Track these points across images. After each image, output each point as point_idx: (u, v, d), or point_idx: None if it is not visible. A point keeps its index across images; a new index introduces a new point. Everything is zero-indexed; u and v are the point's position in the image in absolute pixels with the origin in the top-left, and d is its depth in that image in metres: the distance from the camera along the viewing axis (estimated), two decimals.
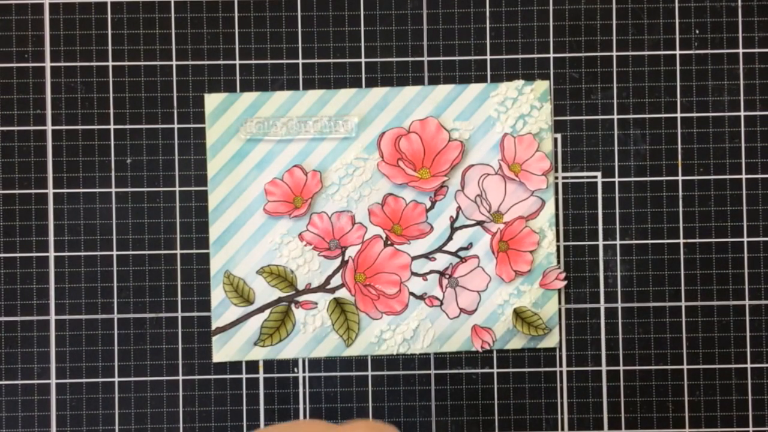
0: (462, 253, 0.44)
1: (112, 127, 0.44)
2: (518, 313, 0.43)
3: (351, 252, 0.43)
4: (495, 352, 0.44)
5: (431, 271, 0.44)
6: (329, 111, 0.44)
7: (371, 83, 0.44)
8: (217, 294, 0.43)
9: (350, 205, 0.44)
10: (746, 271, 0.44)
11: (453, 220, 0.44)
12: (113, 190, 0.44)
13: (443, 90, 0.44)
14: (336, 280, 0.44)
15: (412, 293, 0.43)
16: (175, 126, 0.44)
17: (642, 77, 0.44)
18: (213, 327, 0.43)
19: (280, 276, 0.43)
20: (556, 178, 0.44)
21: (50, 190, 0.44)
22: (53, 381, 0.43)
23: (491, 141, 0.44)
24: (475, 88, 0.44)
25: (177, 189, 0.44)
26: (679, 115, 0.44)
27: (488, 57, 0.44)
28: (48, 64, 0.44)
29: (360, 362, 0.44)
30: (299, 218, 0.43)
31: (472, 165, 0.44)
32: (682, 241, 0.44)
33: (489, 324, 0.44)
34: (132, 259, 0.43)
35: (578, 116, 0.44)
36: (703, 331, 0.44)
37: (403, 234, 0.44)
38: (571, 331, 0.44)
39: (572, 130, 0.44)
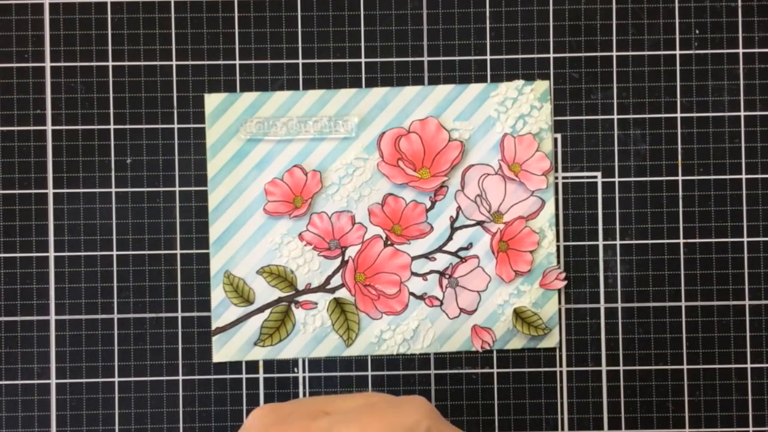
0: (462, 253, 0.44)
1: (112, 127, 0.44)
2: (518, 313, 0.43)
3: (351, 252, 0.43)
4: (495, 352, 0.44)
5: (431, 271, 0.44)
6: (329, 111, 0.44)
7: (371, 83, 0.44)
8: (217, 294, 0.43)
9: (350, 205, 0.44)
10: (746, 271, 0.44)
11: (453, 220, 0.44)
12: (113, 190, 0.44)
13: (443, 90, 0.44)
14: (336, 280, 0.44)
15: (412, 293, 0.43)
16: (175, 126, 0.44)
17: (642, 77, 0.44)
18: (213, 327, 0.43)
19: (280, 276, 0.43)
20: (556, 178, 0.44)
21: (50, 190, 0.44)
22: (53, 381, 0.43)
23: (491, 141, 0.44)
24: (475, 88, 0.44)
25: (177, 189, 0.44)
26: (679, 115, 0.44)
27: (488, 57, 0.44)
28: (48, 64, 0.44)
29: (360, 362, 0.44)
30: (299, 218, 0.43)
31: (472, 165, 0.44)
32: (682, 241, 0.44)
33: (489, 324, 0.44)
34: (132, 259, 0.43)
35: (578, 116, 0.44)
36: (703, 331, 0.44)
37: (403, 234, 0.44)
38: (571, 331, 0.44)
39: (572, 130, 0.44)
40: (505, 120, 0.44)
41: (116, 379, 0.43)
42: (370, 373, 0.44)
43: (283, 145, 0.44)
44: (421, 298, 0.43)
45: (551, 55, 0.44)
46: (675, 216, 0.44)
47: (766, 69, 0.44)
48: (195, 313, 0.43)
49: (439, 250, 0.44)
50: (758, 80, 0.44)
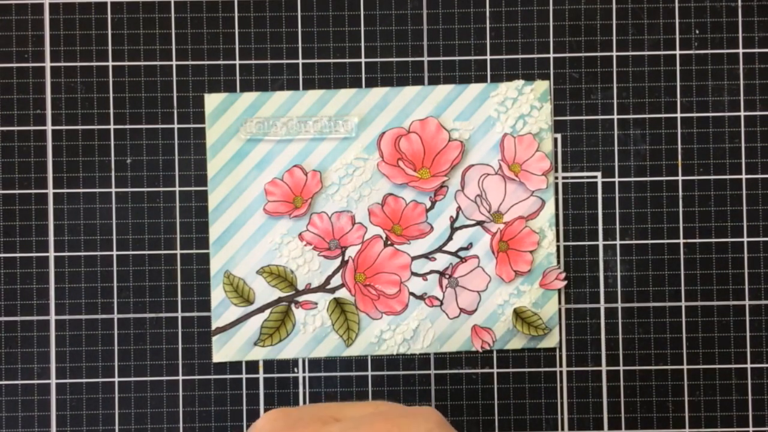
0: (462, 253, 0.44)
1: (112, 127, 0.44)
2: (518, 313, 0.43)
3: (351, 252, 0.43)
4: (495, 352, 0.44)
5: (431, 271, 0.44)
6: (329, 111, 0.44)
7: (371, 83, 0.44)
8: (217, 294, 0.43)
9: (350, 205, 0.44)
10: (746, 271, 0.44)
11: (453, 220, 0.44)
12: (113, 190, 0.44)
13: (443, 90, 0.44)
14: (336, 280, 0.44)
15: (412, 293, 0.43)
16: (175, 126, 0.44)
17: (642, 77, 0.44)
18: (213, 327, 0.43)
19: (280, 276, 0.43)
20: (556, 178, 0.44)
21: (50, 190, 0.44)
22: (53, 381, 0.43)
23: (491, 141, 0.44)
24: (475, 88, 0.44)
25: (177, 189, 0.44)
26: (679, 115, 0.44)
27: (488, 57, 0.44)
28: (48, 64, 0.44)
29: (360, 362, 0.44)
30: (299, 218, 0.43)
31: (472, 165, 0.44)
32: (682, 241, 0.44)
33: (489, 324, 0.44)
34: (132, 259, 0.43)
35: (578, 116, 0.44)
36: (703, 331, 0.44)
37: (403, 234, 0.44)
38: (571, 331, 0.44)
39: (572, 130, 0.44)
40: (505, 120, 0.44)
41: (116, 379, 0.43)
42: (370, 373, 0.44)
43: (283, 145, 0.44)
44: (421, 298, 0.43)
45: (551, 55, 0.44)
46: (675, 216, 0.44)
47: (766, 69, 0.44)
48: (195, 313, 0.43)
49: (439, 250, 0.44)
50: (758, 80, 0.44)
